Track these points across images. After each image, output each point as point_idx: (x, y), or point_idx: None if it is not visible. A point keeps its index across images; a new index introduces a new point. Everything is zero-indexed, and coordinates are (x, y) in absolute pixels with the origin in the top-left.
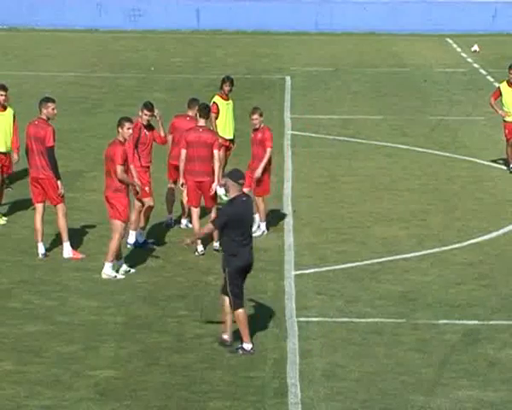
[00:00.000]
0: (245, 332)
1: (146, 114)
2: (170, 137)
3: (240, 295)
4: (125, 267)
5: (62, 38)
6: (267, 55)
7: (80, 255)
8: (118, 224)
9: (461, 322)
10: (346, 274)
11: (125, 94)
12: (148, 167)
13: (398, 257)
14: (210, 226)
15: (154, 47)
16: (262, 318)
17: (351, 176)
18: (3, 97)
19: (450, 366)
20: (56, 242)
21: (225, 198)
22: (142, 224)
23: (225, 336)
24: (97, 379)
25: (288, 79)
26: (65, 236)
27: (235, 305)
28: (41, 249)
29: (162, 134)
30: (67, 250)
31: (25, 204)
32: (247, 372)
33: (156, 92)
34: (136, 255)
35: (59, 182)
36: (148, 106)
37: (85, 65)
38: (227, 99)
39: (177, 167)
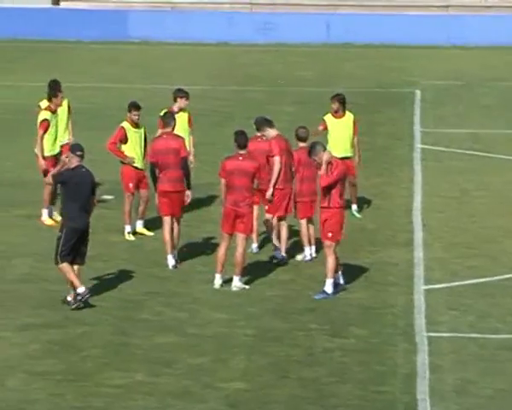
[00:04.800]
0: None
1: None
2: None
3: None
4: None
5: (191, 51)
6: (396, 69)
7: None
8: (242, 237)
9: None
10: (477, 289)
11: (254, 107)
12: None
13: None
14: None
15: (284, 60)
16: (392, 332)
17: (482, 190)
18: (137, 117)
19: None
20: (187, 254)
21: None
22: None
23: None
24: (227, 391)
25: (417, 92)
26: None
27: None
28: (171, 261)
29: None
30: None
31: (155, 216)
32: (377, 387)
33: (285, 105)
34: (266, 269)
35: (189, 191)
36: None
37: (214, 78)
38: (340, 117)
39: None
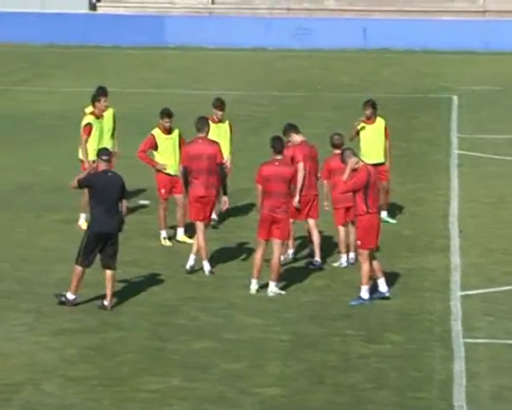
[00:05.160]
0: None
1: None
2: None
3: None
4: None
5: (229, 56)
6: (433, 74)
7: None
8: (278, 243)
9: None
10: None
11: (292, 112)
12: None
13: None
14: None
15: (321, 66)
16: (428, 338)
17: None
18: (168, 124)
19: None
20: (223, 259)
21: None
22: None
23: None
24: (263, 397)
25: (454, 98)
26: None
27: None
28: (207, 267)
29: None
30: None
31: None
32: (414, 393)
33: (322, 111)
34: (302, 275)
35: (226, 197)
36: None
37: (251, 83)
38: (372, 123)
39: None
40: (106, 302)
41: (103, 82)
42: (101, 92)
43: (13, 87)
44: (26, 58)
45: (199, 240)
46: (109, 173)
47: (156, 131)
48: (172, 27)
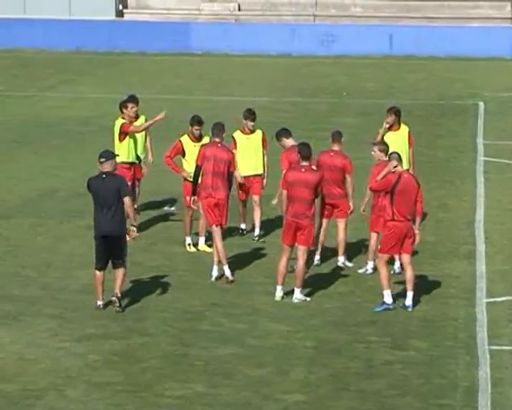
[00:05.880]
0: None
1: None
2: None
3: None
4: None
5: (254, 62)
6: (460, 81)
7: None
8: (303, 249)
9: None
10: None
11: (316, 119)
12: None
13: None
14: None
15: (346, 72)
16: (453, 345)
17: None
18: (198, 131)
19: None
20: (247, 265)
21: None
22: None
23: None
24: (287, 403)
25: (481, 104)
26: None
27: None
28: (227, 272)
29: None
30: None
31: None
32: (438, 400)
33: (347, 117)
34: (326, 281)
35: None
36: None
37: (276, 90)
38: (395, 130)
39: None
40: (114, 297)
41: (129, 88)
42: (129, 99)
43: (39, 93)
44: (53, 64)
45: (216, 244)
46: (104, 176)
47: (184, 138)
48: (198, 34)
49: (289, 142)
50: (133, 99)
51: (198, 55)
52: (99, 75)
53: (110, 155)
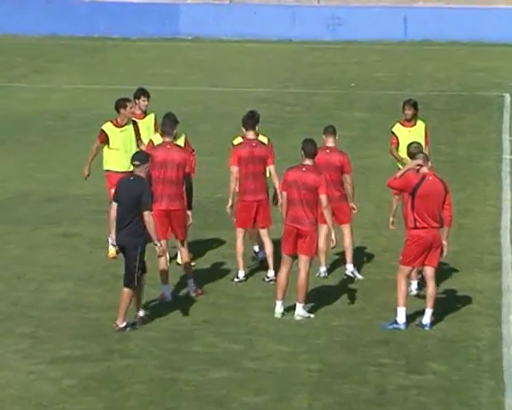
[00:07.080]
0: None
1: None
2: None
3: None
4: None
5: (251, 49)
6: (483, 70)
7: None
8: (305, 259)
9: None
10: None
11: (321, 112)
12: None
13: None
14: None
15: (355, 60)
16: (476, 368)
17: None
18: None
19: None
20: (244, 278)
21: None
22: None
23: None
24: None
25: (507, 96)
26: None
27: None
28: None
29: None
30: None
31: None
32: None
33: (356, 111)
34: (332, 295)
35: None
36: None
37: (277, 79)
38: (412, 125)
39: None
40: (142, 313)
41: (111, 78)
42: (138, 93)
43: (9, 84)
44: (25, 51)
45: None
46: (131, 178)
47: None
48: (188, 17)
49: (248, 134)
50: (143, 92)
51: (188, 41)
52: (77, 63)
53: (143, 156)
